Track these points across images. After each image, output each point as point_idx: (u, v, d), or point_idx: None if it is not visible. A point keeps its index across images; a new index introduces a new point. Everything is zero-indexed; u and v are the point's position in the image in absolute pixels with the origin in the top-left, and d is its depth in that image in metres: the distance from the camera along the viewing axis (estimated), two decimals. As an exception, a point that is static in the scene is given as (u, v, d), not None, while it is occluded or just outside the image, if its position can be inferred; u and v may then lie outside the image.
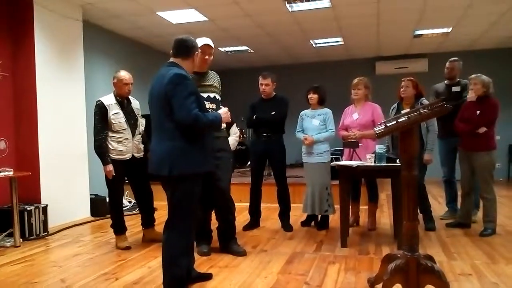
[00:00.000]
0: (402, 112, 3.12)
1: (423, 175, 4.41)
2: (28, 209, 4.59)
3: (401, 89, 4.40)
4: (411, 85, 4.35)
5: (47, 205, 4.87)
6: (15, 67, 5.13)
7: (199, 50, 2.98)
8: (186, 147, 2.65)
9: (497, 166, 4.48)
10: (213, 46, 3.68)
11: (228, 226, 3.81)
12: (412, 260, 2.39)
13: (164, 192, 2.80)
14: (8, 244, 4.27)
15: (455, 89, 4.79)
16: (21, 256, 3.92)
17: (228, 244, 3.80)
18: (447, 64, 4.97)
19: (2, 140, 4.98)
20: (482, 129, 4.18)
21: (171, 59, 2.84)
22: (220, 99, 3.80)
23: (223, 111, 2.98)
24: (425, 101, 4.33)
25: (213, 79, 3.82)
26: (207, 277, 3.12)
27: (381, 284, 2.45)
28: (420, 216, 4.55)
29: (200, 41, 3.62)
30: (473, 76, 4.33)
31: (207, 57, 3.63)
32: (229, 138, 4.08)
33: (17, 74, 5.13)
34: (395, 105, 4.56)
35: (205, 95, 3.64)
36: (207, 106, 3.59)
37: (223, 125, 3.60)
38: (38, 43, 5.08)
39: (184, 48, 2.82)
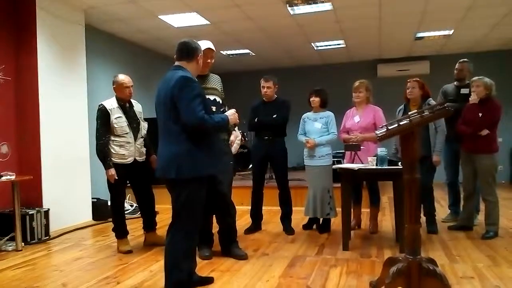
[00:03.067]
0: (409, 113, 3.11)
1: (431, 177, 4.40)
2: (30, 213, 4.59)
3: (407, 90, 4.38)
4: (417, 86, 4.33)
5: (49, 209, 4.87)
6: (18, 71, 5.14)
7: (202, 53, 2.97)
8: (192, 149, 2.66)
9: (499, 169, 4.45)
10: (214, 49, 3.69)
11: (228, 229, 3.80)
12: (414, 263, 2.37)
13: (167, 196, 2.80)
14: (10, 248, 4.27)
15: (464, 91, 4.74)
16: (23, 260, 3.92)
17: (230, 247, 3.79)
18: (457, 65, 4.92)
19: (5, 144, 4.99)
20: (485, 132, 4.17)
21: (176, 63, 2.86)
22: (221, 101, 3.81)
23: (231, 112, 2.98)
24: (432, 101, 4.31)
25: (215, 82, 3.82)
26: (209, 281, 3.11)
27: (383, 288, 2.45)
28: (423, 219, 4.53)
29: (202, 45, 3.62)
30: (475, 78, 4.32)
31: (209, 60, 3.64)
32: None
33: (20, 78, 5.14)
34: (402, 106, 4.53)
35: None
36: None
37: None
38: (40, 47, 5.10)
39: (187, 50, 2.84)
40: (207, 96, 3.62)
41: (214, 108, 3.64)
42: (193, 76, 2.80)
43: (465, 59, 4.94)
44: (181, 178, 2.65)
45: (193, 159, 2.66)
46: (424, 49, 8.62)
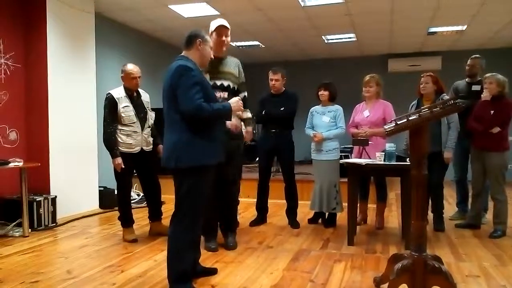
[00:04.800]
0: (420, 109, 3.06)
1: (442, 174, 4.35)
2: (37, 199, 4.63)
3: (421, 86, 4.31)
4: (431, 81, 4.25)
5: (56, 196, 4.90)
6: (27, 59, 5.17)
7: (206, 39, 2.82)
8: (192, 138, 2.62)
9: (509, 167, 4.38)
10: (228, 27, 3.57)
11: (228, 219, 3.81)
12: (419, 261, 2.35)
13: (173, 186, 2.77)
14: (17, 234, 4.31)
15: (475, 87, 4.67)
16: (29, 246, 3.95)
17: (224, 235, 3.81)
18: (468, 61, 4.85)
19: (13, 131, 5.03)
20: (496, 129, 4.11)
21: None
22: (236, 87, 3.71)
23: (234, 100, 2.88)
24: (446, 97, 4.23)
25: (231, 65, 3.71)
26: (212, 272, 3.11)
27: (387, 284, 2.42)
28: (430, 216, 4.50)
29: (215, 23, 3.53)
30: (488, 75, 4.25)
31: (223, 38, 3.54)
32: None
33: (29, 65, 5.16)
34: (415, 102, 4.46)
35: (218, 82, 3.55)
36: (218, 94, 3.49)
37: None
38: (50, 35, 5.11)
39: (187, 39, 2.81)
40: (220, 81, 3.56)
41: (225, 94, 3.56)
42: (199, 64, 2.76)
43: (477, 55, 4.86)
44: (181, 168, 2.63)
45: (193, 149, 2.62)
46: (436, 45, 8.50)
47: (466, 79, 4.86)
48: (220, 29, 3.52)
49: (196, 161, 2.62)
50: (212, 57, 2.95)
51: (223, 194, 3.70)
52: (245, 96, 3.85)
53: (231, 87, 3.66)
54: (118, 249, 3.84)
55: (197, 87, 2.60)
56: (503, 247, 3.83)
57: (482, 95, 4.29)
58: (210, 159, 2.70)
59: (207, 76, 3.50)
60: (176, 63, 2.70)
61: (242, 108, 3.01)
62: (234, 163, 3.71)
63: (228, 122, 2.83)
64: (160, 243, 3.95)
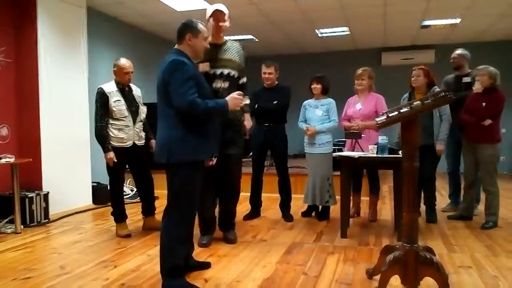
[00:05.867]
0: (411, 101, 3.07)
1: (434, 167, 4.37)
2: (29, 196, 4.60)
3: (412, 79, 4.32)
4: (422, 74, 4.26)
5: (48, 192, 4.88)
6: (18, 53, 5.11)
7: (197, 31, 2.71)
8: (185, 134, 2.60)
9: (501, 159, 4.42)
10: (225, 11, 3.46)
11: (228, 215, 3.80)
12: (411, 252, 2.36)
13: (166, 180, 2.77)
14: (9, 231, 4.28)
15: (466, 79, 4.71)
16: (22, 242, 3.93)
17: (224, 231, 3.80)
18: (452, 54, 4.90)
19: (4, 127, 4.98)
20: (487, 121, 4.13)
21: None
22: (237, 75, 3.59)
23: (231, 96, 2.77)
24: (437, 89, 4.25)
25: (233, 51, 3.58)
26: (206, 265, 3.11)
27: (379, 276, 2.44)
28: (422, 208, 4.53)
29: (211, 8, 3.44)
30: (480, 67, 4.27)
31: (220, 23, 3.43)
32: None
33: (20, 60, 5.11)
34: (407, 94, 4.48)
35: (218, 71, 3.45)
36: (218, 85, 3.44)
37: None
38: (41, 29, 5.06)
39: (177, 33, 2.75)
40: (220, 70, 3.45)
41: (226, 84, 3.47)
42: (192, 57, 2.73)
43: (458, 47, 4.91)
44: (173, 163, 2.61)
45: (185, 144, 2.59)
46: (429, 38, 8.52)
47: (456, 73, 4.89)
48: (216, 14, 3.43)
49: (188, 156, 2.60)
50: (209, 43, 2.87)
51: (225, 189, 3.70)
52: (243, 82, 3.78)
53: (231, 75, 3.54)
54: (111, 244, 3.83)
55: (191, 82, 2.56)
56: (495, 238, 3.86)
57: (473, 87, 4.30)
58: (202, 154, 2.69)
59: (207, 65, 3.42)
60: (169, 57, 2.67)
61: (242, 104, 2.90)
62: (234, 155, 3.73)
63: (230, 104, 2.73)
64: (153, 238, 3.94)
